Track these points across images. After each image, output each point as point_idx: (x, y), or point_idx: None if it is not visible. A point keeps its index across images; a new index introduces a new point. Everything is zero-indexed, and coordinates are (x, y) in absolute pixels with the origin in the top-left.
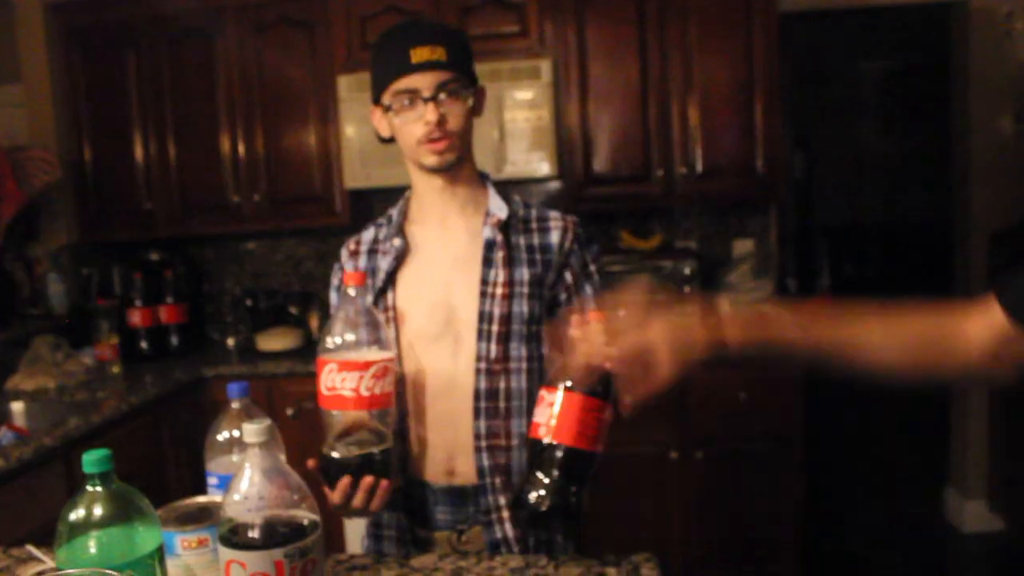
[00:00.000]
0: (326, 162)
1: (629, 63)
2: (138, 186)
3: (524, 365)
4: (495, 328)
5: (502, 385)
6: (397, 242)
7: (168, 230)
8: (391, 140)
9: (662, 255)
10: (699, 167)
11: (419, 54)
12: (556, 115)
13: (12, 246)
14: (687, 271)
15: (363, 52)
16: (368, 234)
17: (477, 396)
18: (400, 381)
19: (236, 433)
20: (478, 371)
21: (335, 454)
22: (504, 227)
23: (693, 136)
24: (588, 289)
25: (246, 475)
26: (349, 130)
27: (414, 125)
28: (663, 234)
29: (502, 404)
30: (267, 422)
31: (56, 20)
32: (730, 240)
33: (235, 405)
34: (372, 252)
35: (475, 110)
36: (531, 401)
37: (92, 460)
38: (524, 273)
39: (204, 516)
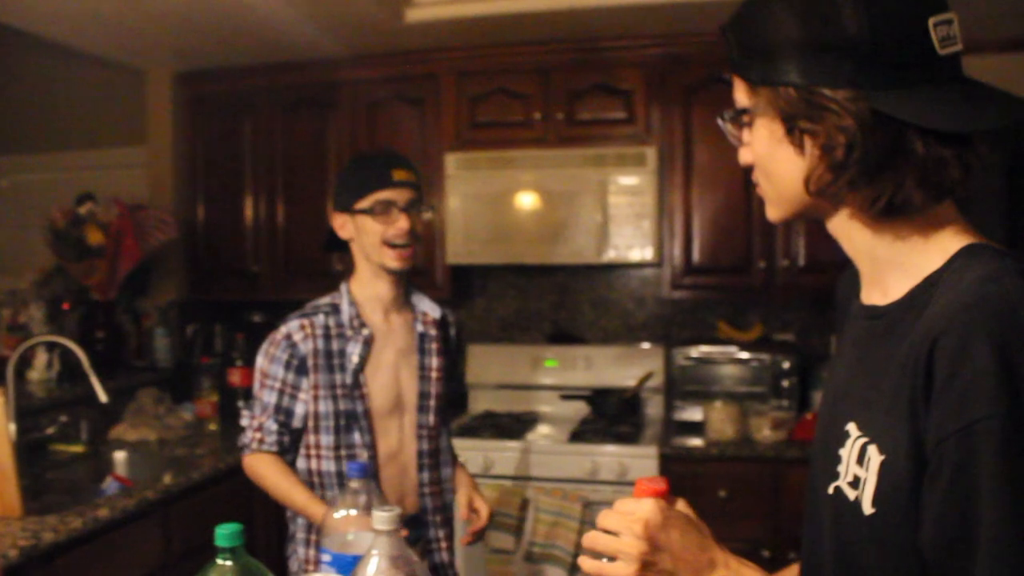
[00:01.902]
0: (429, 236)
1: (734, 152)
2: (246, 248)
3: (445, 429)
4: (431, 403)
5: (435, 446)
6: (366, 332)
7: (272, 293)
8: (341, 247)
9: (760, 348)
10: (801, 260)
11: (399, 174)
12: (659, 202)
13: (124, 300)
14: (785, 365)
15: (471, 131)
16: (319, 319)
17: (420, 455)
18: (372, 444)
19: (353, 512)
20: (419, 436)
21: None
22: (411, 315)
23: (796, 228)
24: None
25: (373, 562)
26: (454, 206)
27: (385, 228)
28: (762, 326)
29: (437, 459)
30: (397, 510)
31: (182, 88)
32: (829, 335)
33: (353, 485)
34: (327, 336)
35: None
36: (452, 455)
37: (225, 535)
38: (440, 361)
39: None
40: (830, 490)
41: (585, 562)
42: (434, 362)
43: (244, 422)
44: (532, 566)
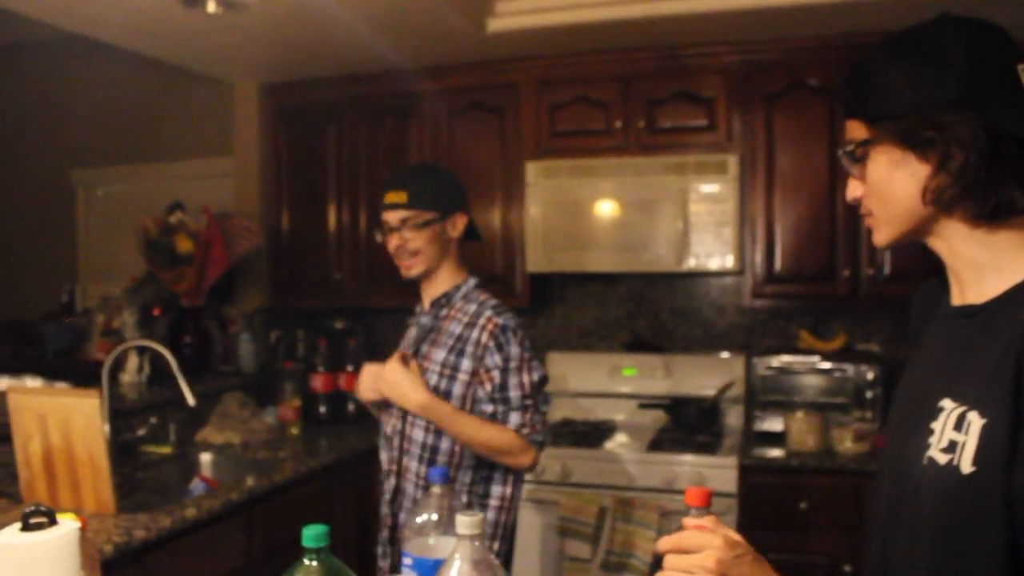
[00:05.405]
0: (509, 244)
1: (818, 159)
2: (329, 256)
3: (425, 423)
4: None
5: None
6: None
7: (354, 300)
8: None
9: (843, 358)
10: (887, 268)
11: (388, 197)
12: (741, 210)
13: (211, 306)
14: (869, 376)
15: (551, 140)
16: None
17: (415, 443)
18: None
19: (435, 517)
20: (416, 424)
21: None
22: (439, 316)
23: None
24: (487, 386)
25: (455, 566)
26: (533, 214)
27: (390, 245)
28: (845, 336)
29: (415, 450)
30: (479, 515)
31: (268, 99)
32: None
33: (435, 490)
34: None
35: (445, 232)
36: (424, 450)
37: (312, 535)
38: (441, 354)
39: None
40: (924, 461)
41: None
42: (428, 352)
43: None
44: (609, 575)
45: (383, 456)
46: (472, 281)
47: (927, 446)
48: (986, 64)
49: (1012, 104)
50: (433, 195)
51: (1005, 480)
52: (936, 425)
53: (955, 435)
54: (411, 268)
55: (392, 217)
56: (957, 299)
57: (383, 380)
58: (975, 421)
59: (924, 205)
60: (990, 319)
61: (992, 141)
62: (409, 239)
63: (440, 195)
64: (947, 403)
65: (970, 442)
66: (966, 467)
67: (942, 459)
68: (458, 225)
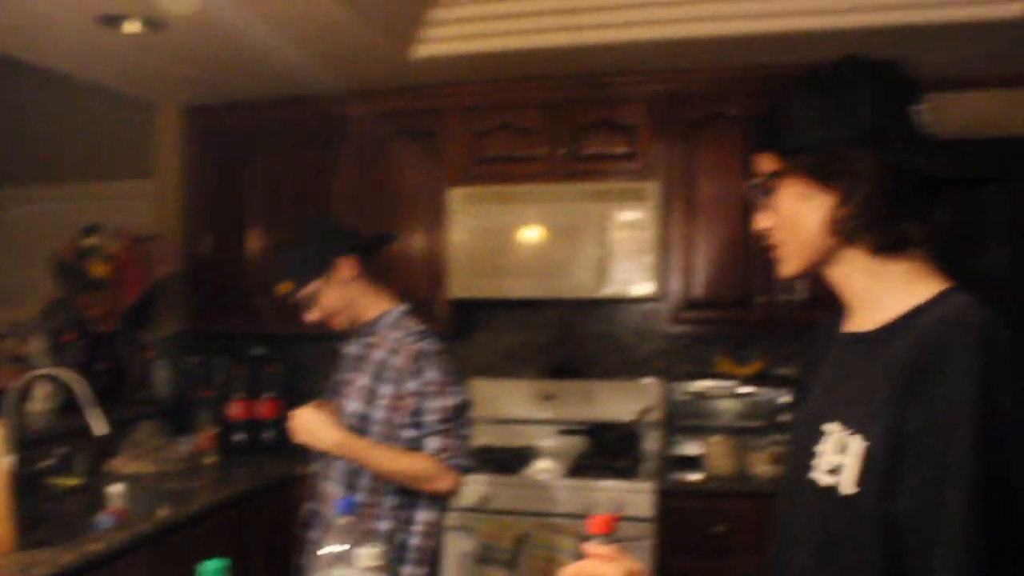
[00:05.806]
0: (431, 270)
1: (736, 187)
2: (249, 282)
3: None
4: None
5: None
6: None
7: (273, 326)
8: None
9: (759, 382)
10: (804, 294)
11: (277, 292)
12: (660, 237)
13: (126, 331)
14: (784, 400)
15: (477, 166)
16: None
17: (337, 469)
18: None
19: (340, 549)
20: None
21: None
22: (365, 344)
23: None
24: (407, 411)
25: None
26: (456, 240)
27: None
28: (763, 361)
29: (336, 475)
30: (380, 548)
31: (191, 121)
32: None
33: (341, 521)
34: None
35: (337, 282)
36: (347, 476)
37: (210, 570)
38: (363, 380)
39: None
40: (811, 483)
41: None
42: (353, 379)
43: None
44: None
45: (310, 482)
46: (400, 308)
47: (810, 468)
48: (887, 104)
49: (909, 143)
50: (307, 265)
51: (885, 501)
52: (823, 447)
53: (839, 458)
54: (338, 325)
55: (291, 303)
56: (849, 326)
57: (295, 425)
58: (858, 444)
59: (829, 236)
60: (876, 346)
61: (892, 177)
62: (316, 310)
63: (313, 259)
64: (834, 426)
65: (853, 464)
66: (848, 488)
67: (827, 481)
68: (343, 269)
